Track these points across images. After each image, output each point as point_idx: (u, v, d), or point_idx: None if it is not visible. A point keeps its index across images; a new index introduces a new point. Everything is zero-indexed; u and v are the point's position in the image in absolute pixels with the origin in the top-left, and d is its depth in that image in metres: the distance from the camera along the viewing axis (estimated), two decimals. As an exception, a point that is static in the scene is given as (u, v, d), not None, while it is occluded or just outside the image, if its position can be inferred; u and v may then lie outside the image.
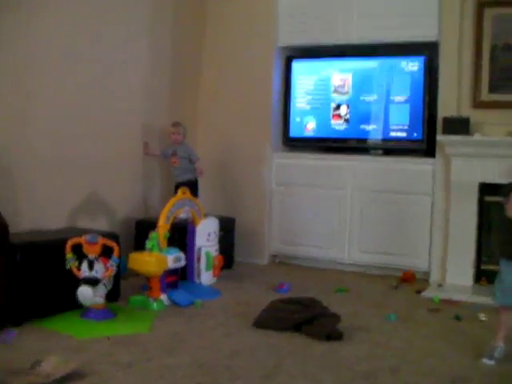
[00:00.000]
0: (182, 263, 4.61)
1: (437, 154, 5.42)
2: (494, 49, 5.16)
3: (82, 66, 4.96)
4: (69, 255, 3.96)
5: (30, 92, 4.53)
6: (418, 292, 5.07)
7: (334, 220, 5.84)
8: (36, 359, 3.08)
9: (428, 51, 5.57)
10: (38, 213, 4.57)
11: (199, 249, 4.96)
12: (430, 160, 5.50)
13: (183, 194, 4.86)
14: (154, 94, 5.81)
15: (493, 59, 5.16)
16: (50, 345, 3.52)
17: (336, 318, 3.92)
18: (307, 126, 6.15)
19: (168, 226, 4.59)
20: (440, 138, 5.27)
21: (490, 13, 5.14)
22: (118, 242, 4.14)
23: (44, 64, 4.63)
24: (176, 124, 5.63)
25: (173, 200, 4.75)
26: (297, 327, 3.88)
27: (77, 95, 4.93)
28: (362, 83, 5.87)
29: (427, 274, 5.48)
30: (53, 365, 3.00)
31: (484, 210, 5.24)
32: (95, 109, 5.12)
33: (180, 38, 6.09)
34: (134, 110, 5.61)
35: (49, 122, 4.69)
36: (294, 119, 6.22)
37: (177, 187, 5.36)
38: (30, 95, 4.53)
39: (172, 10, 5.98)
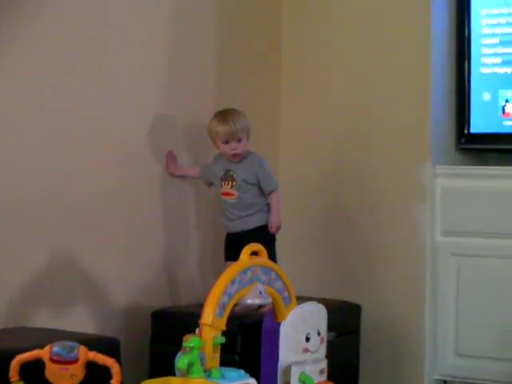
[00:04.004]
0: (252, 400, 3.54)
1: None
2: None
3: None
4: (15, 384, 2.92)
5: None
6: None
7: None
8: None
9: None
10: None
11: (287, 368, 3.36)
12: None
13: (250, 255, 3.22)
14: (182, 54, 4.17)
15: None
16: None
17: None
18: (506, 109, 4.15)
19: (222, 324, 3.19)
20: None
21: None
22: (118, 358, 2.90)
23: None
24: (229, 118, 3.66)
25: (231, 270, 3.27)
26: None
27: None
28: None
29: None
30: None
31: None
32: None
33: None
34: (142, 95, 4.06)
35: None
36: (479, 97, 4.20)
37: (231, 242, 3.83)
38: None
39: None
